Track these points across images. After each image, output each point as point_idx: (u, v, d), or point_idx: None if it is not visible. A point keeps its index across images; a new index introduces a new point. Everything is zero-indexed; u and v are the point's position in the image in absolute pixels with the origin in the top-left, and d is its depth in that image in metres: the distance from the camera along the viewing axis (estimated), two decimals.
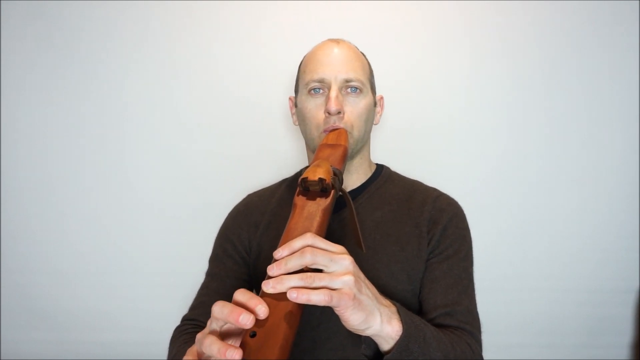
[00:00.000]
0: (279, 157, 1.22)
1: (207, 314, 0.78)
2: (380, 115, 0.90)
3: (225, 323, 0.47)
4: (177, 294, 1.13)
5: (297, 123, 0.86)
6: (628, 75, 1.19)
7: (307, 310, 0.48)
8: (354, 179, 0.84)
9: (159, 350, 0.90)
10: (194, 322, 0.81)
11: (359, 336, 0.57)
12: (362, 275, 0.53)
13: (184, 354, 0.50)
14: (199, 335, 0.48)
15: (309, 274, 0.48)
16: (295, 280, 0.47)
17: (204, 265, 0.88)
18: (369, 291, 0.53)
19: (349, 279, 0.49)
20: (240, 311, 0.44)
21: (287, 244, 0.51)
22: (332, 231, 0.76)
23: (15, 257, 1.22)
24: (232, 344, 0.46)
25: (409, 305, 0.73)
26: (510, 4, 1.19)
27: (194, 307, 0.83)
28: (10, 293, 1.22)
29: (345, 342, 0.71)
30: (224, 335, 0.47)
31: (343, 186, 0.83)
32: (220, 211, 0.93)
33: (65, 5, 1.19)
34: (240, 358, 0.42)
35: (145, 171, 1.23)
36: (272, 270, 0.49)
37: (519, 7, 1.19)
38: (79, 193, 1.22)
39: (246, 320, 0.43)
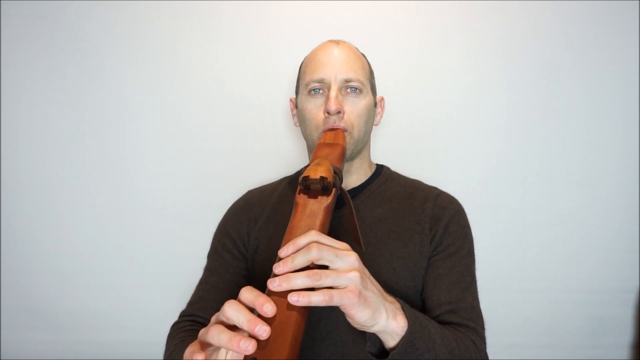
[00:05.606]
0: (279, 157, 1.21)
1: (206, 309, 0.79)
2: (381, 117, 0.90)
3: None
4: (178, 294, 1.12)
5: (298, 124, 0.87)
6: (628, 75, 1.19)
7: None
8: (354, 179, 0.84)
9: (158, 350, 0.90)
10: (192, 317, 0.80)
11: (359, 333, 0.57)
12: (367, 272, 0.53)
13: (180, 353, 0.50)
14: (203, 331, 0.47)
15: (315, 270, 0.47)
16: (302, 277, 0.47)
17: (204, 265, 0.88)
18: (374, 287, 0.53)
19: (354, 275, 0.49)
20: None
21: (291, 241, 0.50)
22: (332, 228, 0.76)
23: (15, 257, 1.22)
24: None
25: (412, 301, 0.73)
26: (510, 3, 1.18)
27: (192, 303, 0.82)
28: (10, 293, 1.22)
29: (345, 339, 0.71)
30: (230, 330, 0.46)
31: (342, 186, 0.83)
32: (220, 212, 0.93)
33: (66, 5, 1.18)
34: (255, 350, 0.41)
35: (145, 171, 1.22)
36: (278, 268, 0.48)
37: (519, 7, 1.18)
38: (78, 193, 1.22)
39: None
